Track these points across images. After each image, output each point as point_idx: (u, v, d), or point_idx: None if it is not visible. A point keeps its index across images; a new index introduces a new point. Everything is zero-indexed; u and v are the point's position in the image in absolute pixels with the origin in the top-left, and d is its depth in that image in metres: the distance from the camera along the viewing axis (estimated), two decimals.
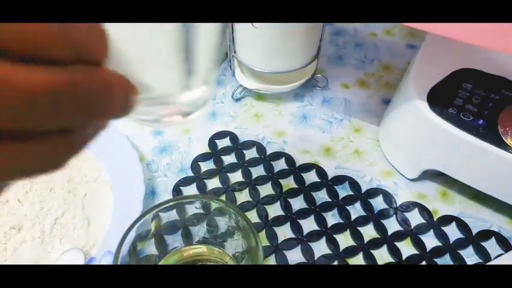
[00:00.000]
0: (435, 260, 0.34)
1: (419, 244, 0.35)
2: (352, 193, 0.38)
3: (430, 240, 0.35)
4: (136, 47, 0.15)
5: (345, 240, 0.35)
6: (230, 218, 0.30)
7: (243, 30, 0.41)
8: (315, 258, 0.34)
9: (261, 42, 0.40)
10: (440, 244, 0.35)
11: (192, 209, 0.31)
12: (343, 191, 0.38)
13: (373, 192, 0.38)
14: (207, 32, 0.16)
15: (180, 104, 0.18)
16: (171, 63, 0.16)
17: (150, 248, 0.31)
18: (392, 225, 0.36)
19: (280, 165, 0.40)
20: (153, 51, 0.16)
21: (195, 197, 0.34)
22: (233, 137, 0.42)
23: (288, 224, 0.36)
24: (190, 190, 0.39)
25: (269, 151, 0.41)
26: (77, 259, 0.33)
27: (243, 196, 0.38)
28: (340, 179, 0.39)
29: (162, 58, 0.16)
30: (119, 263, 0.25)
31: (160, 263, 0.30)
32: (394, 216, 0.37)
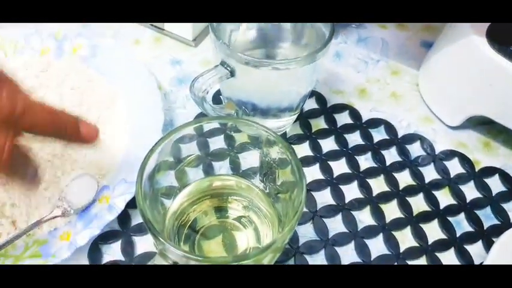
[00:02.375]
0: (475, 211, 0.31)
1: (458, 194, 0.32)
2: (387, 137, 0.35)
3: (470, 191, 0.33)
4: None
5: (378, 185, 0.33)
6: (261, 146, 0.27)
7: None
8: (346, 201, 0.31)
9: None
10: (481, 196, 0.32)
11: (215, 144, 0.29)
12: (378, 135, 0.35)
13: (410, 137, 0.35)
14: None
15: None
16: None
17: (169, 180, 0.28)
18: (429, 173, 0.33)
19: (309, 104, 0.37)
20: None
21: (221, 117, 0.30)
22: None
23: (317, 165, 0.33)
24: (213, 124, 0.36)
25: None
26: (89, 186, 0.30)
27: None
28: (375, 122, 0.36)
29: None
30: (142, 188, 0.22)
31: (184, 192, 0.27)
32: (432, 164, 0.34)
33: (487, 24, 0.32)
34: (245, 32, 0.31)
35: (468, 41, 0.32)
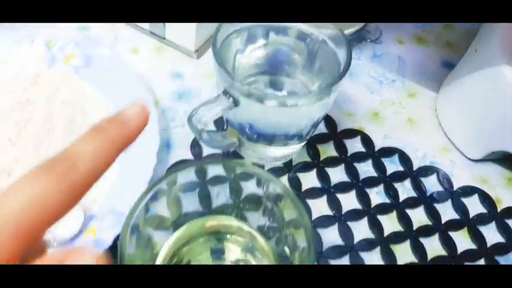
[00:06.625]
0: (496, 258, 0.29)
1: (478, 237, 0.30)
2: (402, 169, 0.32)
3: (492, 234, 0.30)
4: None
5: (390, 223, 0.30)
6: (260, 186, 0.25)
7: None
8: (354, 242, 0.29)
9: None
10: (504, 240, 0.30)
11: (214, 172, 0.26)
12: (392, 166, 0.33)
13: (427, 169, 0.33)
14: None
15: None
16: None
17: (162, 211, 0.25)
18: (446, 212, 0.31)
19: (318, 127, 0.34)
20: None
21: (219, 161, 0.28)
22: None
23: (325, 197, 0.31)
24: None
25: None
26: (75, 215, 0.27)
27: (272, 163, 0.32)
28: (388, 151, 0.33)
29: None
30: (128, 233, 0.20)
31: (177, 233, 0.24)
32: (450, 201, 0.31)
33: None
34: (251, 53, 0.28)
35: (495, 69, 0.29)
